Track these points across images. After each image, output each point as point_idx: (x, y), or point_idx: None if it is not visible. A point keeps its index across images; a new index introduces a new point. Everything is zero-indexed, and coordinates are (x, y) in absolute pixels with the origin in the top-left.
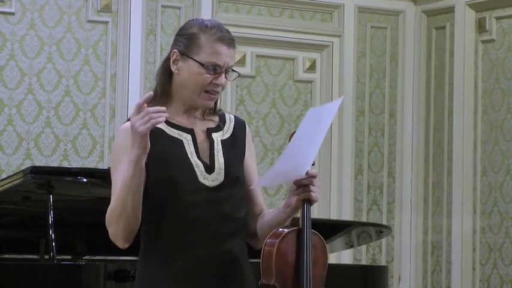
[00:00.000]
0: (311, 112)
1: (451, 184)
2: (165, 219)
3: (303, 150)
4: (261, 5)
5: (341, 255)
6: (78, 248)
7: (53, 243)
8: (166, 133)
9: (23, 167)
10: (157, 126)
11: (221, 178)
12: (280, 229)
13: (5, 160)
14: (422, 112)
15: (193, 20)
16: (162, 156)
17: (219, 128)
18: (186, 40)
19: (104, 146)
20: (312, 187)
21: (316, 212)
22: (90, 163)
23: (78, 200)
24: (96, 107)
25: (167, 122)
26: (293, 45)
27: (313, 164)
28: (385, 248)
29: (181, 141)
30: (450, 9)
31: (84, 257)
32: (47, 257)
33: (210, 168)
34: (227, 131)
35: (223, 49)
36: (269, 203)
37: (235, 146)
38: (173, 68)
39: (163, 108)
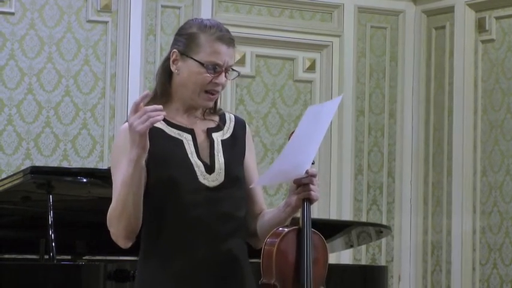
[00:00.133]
0: (310, 110)
1: (451, 184)
2: (165, 219)
3: (302, 148)
4: (261, 5)
5: (341, 255)
6: (78, 248)
7: (53, 243)
8: (166, 133)
9: (22, 167)
10: (157, 126)
11: (221, 178)
12: (281, 228)
13: (4, 160)
14: (422, 112)
15: (192, 19)
16: (162, 156)
17: (219, 127)
18: (186, 40)
19: (104, 146)
20: (312, 186)
21: (316, 211)
22: (90, 163)
23: (78, 200)
24: (96, 107)
25: (167, 122)
26: (293, 45)
27: (313, 163)
28: (385, 248)
29: (182, 141)
30: (450, 9)
31: (84, 257)
32: (47, 257)
33: (210, 169)
34: (227, 131)
35: (222, 48)
36: (269, 203)
37: (235, 146)
38: (173, 67)
39: (160, 106)
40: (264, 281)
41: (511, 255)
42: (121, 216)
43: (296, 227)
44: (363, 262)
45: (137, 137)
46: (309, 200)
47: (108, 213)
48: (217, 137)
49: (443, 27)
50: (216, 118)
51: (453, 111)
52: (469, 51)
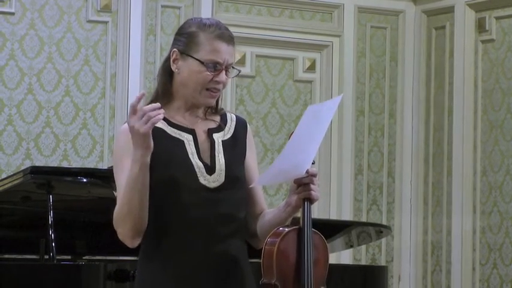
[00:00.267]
0: (310, 110)
1: (451, 184)
2: (165, 219)
3: (302, 148)
4: (261, 5)
5: (341, 255)
6: (78, 248)
7: (53, 243)
8: (167, 133)
9: (22, 167)
10: (158, 126)
11: (222, 179)
12: (281, 228)
13: (4, 160)
14: (422, 112)
15: (192, 19)
16: (163, 157)
17: (220, 128)
18: (185, 39)
19: (104, 146)
20: (312, 186)
21: (316, 211)
22: (90, 163)
23: (78, 200)
24: (96, 107)
25: (168, 122)
26: (293, 45)
27: (313, 163)
28: (385, 248)
29: (183, 141)
30: (450, 9)
31: (84, 257)
32: (46, 257)
33: (210, 169)
34: (228, 131)
35: (222, 46)
36: (269, 203)
37: (236, 147)
38: (173, 67)
39: (158, 104)
40: (264, 281)
41: (511, 255)
42: (127, 218)
43: (296, 226)
44: (363, 262)
45: (141, 138)
46: (310, 200)
47: (114, 214)
48: (218, 137)
49: (443, 27)
50: (217, 118)
51: (453, 111)
52: (469, 51)
